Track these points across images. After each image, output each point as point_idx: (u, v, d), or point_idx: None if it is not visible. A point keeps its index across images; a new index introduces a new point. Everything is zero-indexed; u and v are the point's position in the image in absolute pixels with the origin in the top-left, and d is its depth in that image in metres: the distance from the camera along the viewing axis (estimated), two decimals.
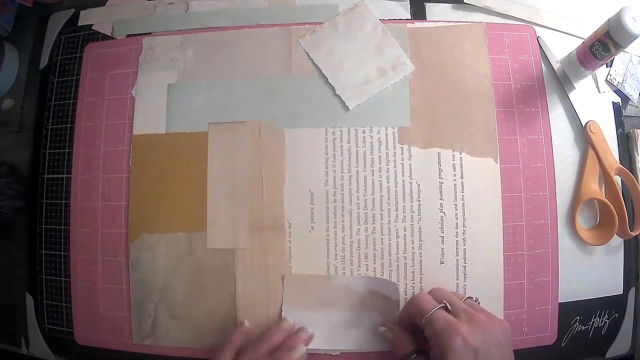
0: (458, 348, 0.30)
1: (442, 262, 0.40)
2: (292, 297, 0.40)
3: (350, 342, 0.39)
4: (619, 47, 0.38)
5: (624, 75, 0.44)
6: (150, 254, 0.41)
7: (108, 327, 0.42)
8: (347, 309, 0.39)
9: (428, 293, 0.37)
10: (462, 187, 0.40)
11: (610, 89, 0.44)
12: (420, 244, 0.40)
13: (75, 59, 0.46)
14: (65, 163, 0.44)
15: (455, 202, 0.40)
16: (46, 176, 0.45)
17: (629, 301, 0.42)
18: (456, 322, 0.32)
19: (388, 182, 0.41)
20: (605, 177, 0.41)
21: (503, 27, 0.44)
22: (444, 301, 0.34)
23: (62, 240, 0.43)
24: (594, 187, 0.41)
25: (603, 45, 0.39)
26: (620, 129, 0.43)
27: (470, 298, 0.37)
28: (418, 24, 0.44)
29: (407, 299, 0.38)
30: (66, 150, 0.44)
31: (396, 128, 0.41)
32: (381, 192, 0.40)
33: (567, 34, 0.44)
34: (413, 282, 0.40)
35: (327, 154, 0.41)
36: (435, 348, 0.32)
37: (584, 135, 0.42)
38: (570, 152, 0.42)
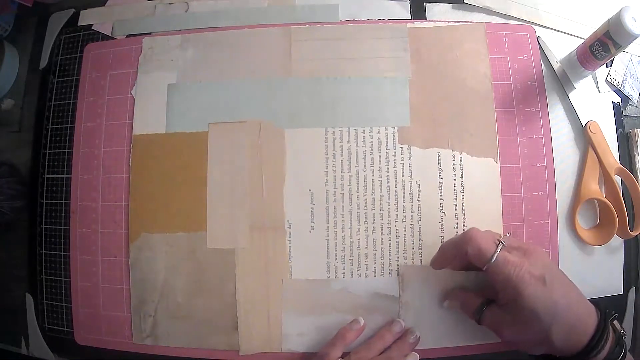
0: (531, 285, 0.30)
1: None
2: (291, 302, 0.40)
3: (353, 345, 0.39)
4: (619, 47, 0.38)
5: (624, 75, 0.44)
6: (150, 254, 0.41)
7: (108, 327, 0.42)
8: (348, 313, 0.39)
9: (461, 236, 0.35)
10: (462, 187, 0.40)
11: (610, 89, 0.44)
12: (420, 244, 0.40)
13: (75, 59, 0.46)
14: (65, 163, 0.44)
15: (455, 202, 0.40)
16: (46, 176, 0.45)
17: (629, 301, 0.41)
18: (519, 261, 0.31)
19: (388, 182, 0.41)
20: (605, 177, 0.41)
21: (503, 27, 0.44)
22: (499, 239, 0.33)
23: (62, 240, 0.43)
24: (594, 187, 0.41)
25: (603, 45, 0.39)
26: (620, 129, 0.43)
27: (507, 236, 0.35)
28: (418, 24, 0.44)
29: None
30: (66, 150, 0.44)
31: (396, 128, 0.41)
32: (381, 192, 0.40)
33: (567, 34, 0.44)
34: None
35: (327, 154, 0.41)
36: (505, 292, 0.32)
37: (584, 135, 0.42)
38: (570, 152, 0.42)
